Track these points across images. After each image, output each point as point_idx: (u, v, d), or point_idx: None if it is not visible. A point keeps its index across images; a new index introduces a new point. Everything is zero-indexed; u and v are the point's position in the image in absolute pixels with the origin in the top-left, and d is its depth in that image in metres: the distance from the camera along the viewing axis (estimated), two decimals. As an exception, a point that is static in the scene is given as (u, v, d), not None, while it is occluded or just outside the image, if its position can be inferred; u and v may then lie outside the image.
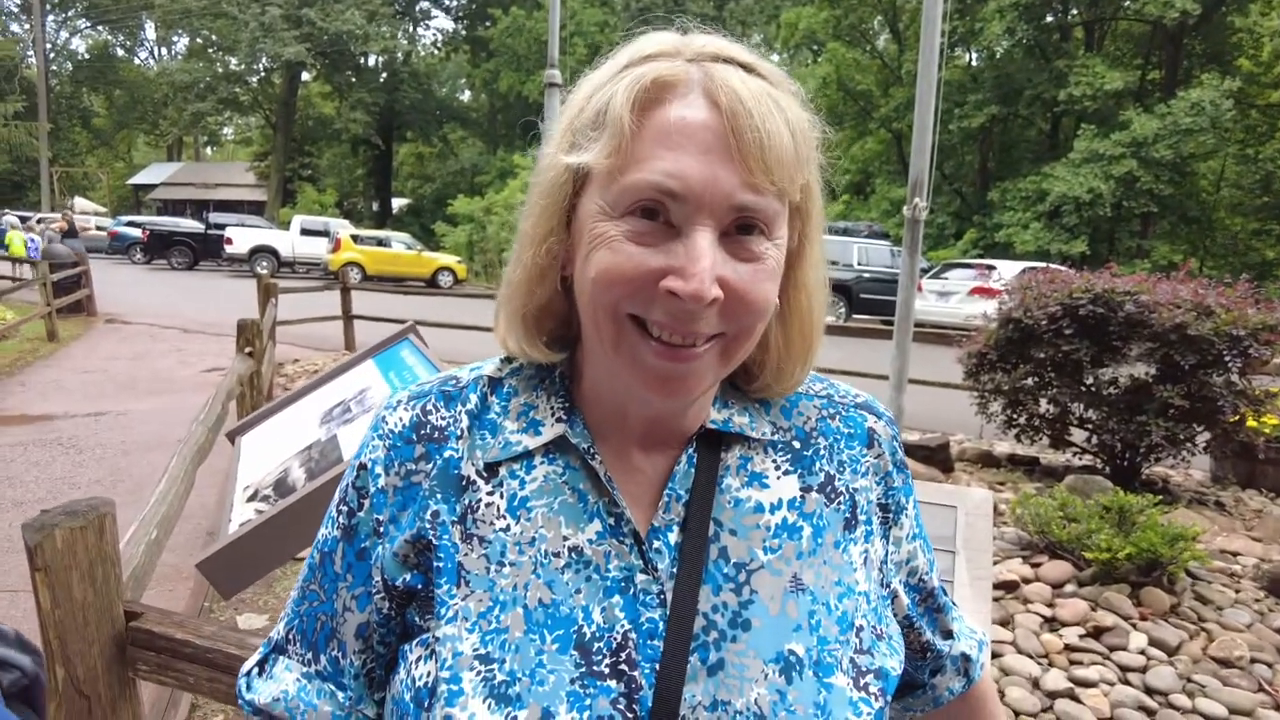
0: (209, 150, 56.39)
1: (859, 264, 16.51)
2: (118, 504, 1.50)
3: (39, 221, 20.51)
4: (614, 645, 0.61)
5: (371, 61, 37.42)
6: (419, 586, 0.65)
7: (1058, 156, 23.91)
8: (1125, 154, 21.17)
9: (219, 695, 1.49)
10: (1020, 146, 28.47)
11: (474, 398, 0.70)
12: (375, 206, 39.38)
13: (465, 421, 0.68)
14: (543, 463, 0.67)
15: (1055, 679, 2.86)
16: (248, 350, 4.70)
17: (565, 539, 0.64)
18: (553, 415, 0.68)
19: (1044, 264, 13.96)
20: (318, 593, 0.70)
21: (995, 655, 3.00)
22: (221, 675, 1.44)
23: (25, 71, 38.31)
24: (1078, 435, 5.43)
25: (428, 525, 0.65)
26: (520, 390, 0.71)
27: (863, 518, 0.71)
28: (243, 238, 23.57)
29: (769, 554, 0.66)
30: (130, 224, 26.98)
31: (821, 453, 0.72)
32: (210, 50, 39.43)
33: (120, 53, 46.72)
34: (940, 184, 25.90)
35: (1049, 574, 3.60)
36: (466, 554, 0.64)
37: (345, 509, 0.69)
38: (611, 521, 0.65)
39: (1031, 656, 3.01)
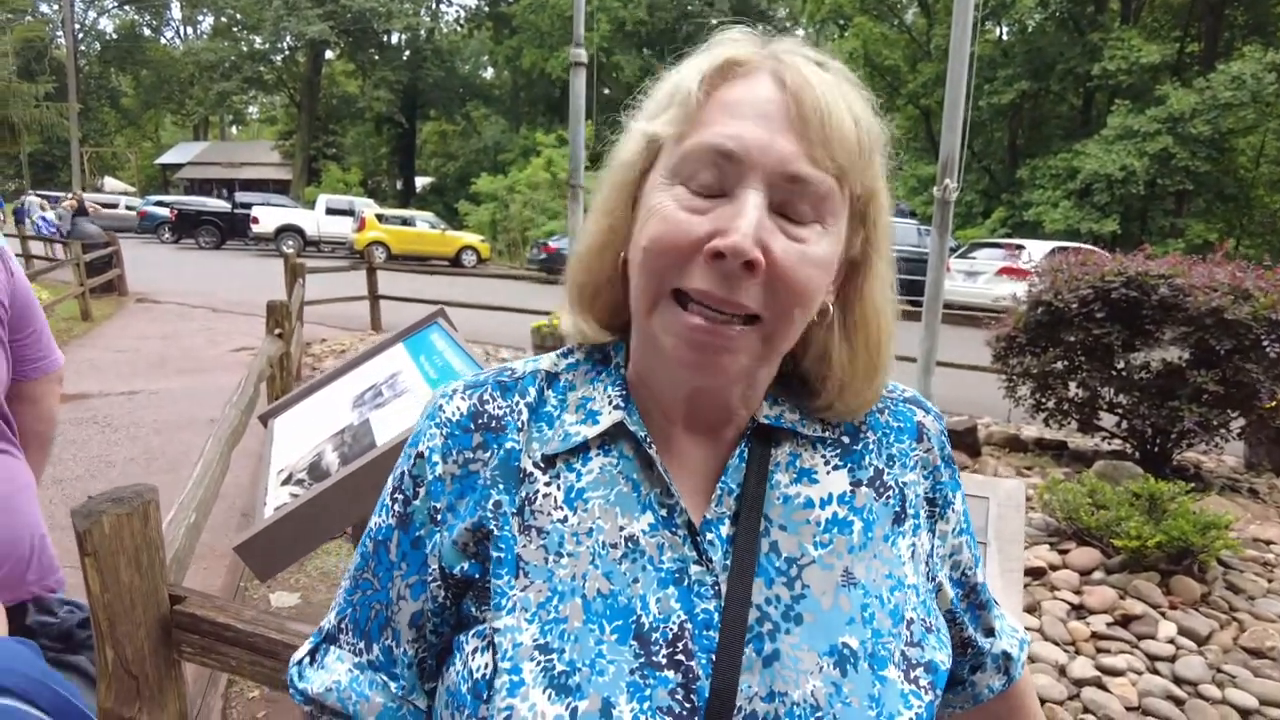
0: (234, 129, 56.81)
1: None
2: (153, 482, 1.54)
3: (52, 202, 21.11)
4: (670, 636, 0.61)
5: (395, 39, 37.38)
6: (476, 576, 0.65)
7: (1090, 133, 23.38)
8: (1161, 130, 20.62)
9: (260, 677, 1.52)
10: (1051, 123, 27.86)
11: (532, 390, 0.71)
12: (399, 185, 39.48)
13: (525, 414, 0.69)
14: (598, 454, 0.68)
15: (1082, 667, 2.85)
16: (277, 332, 4.76)
17: (621, 529, 0.65)
18: (610, 404, 0.69)
19: (1074, 244, 13.74)
20: (371, 581, 0.71)
21: (1022, 642, 2.99)
22: (262, 658, 1.48)
23: (55, 52, 38.70)
24: (1107, 420, 5.36)
25: (489, 514, 0.65)
26: (577, 384, 0.72)
27: (910, 511, 0.72)
28: (269, 217, 23.79)
29: (820, 549, 0.66)
30: (159, 203, 27.30)
31: (871, 447, 0.72)
32: (235, 29, 39.60)
33: (147, 32, 46.99)
34: (969, 162, 25.47)
35: (1077, 561, 3.58)
36: (525, 545, 0.65)
37: (400, 497, 0.69)
38: (664, 513, 0.66)
39: (1058, 644, 3.00)
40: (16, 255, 13.99)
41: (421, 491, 0.68)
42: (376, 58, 36.26)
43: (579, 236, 0.70)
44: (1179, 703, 2.72)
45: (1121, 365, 5.05)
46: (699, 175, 0.60)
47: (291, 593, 3.55)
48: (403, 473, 0.70)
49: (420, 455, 0.69)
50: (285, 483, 2.32)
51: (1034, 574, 3.48)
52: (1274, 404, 4.69)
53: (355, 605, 0.72)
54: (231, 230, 24.62)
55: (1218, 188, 23.13)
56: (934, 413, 0.77)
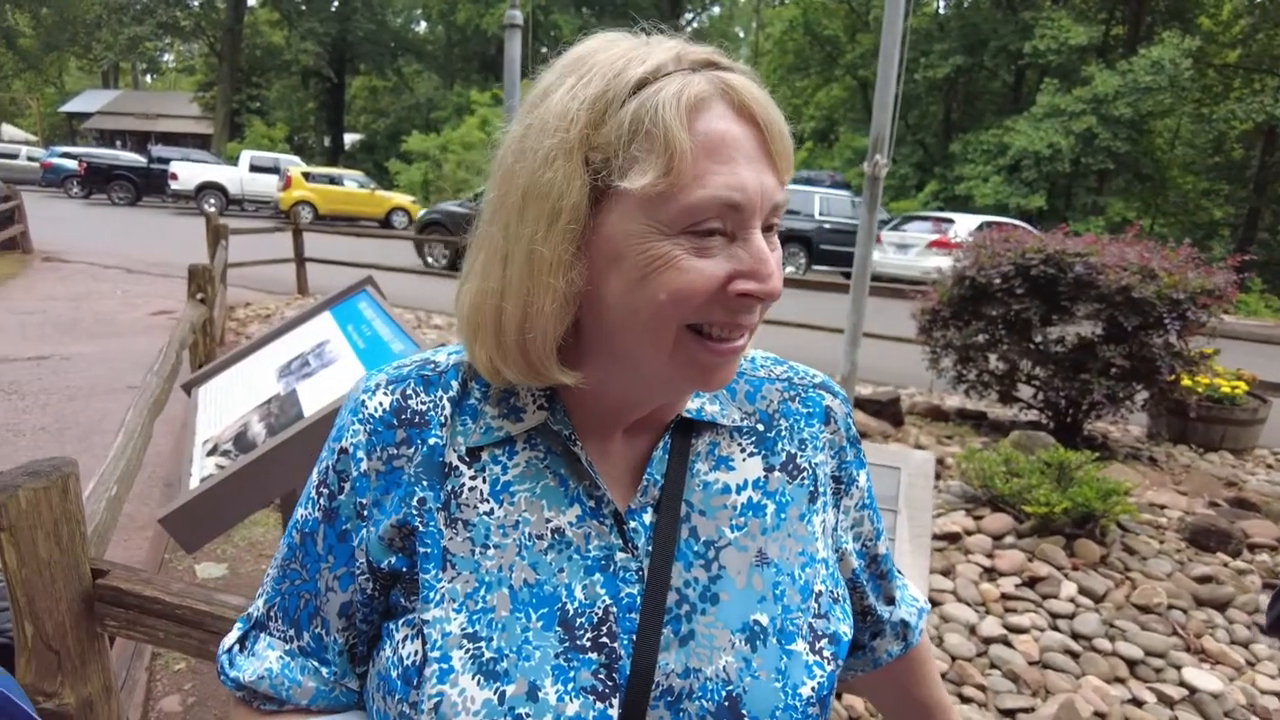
0: (149, 78, 53.66)
1: (820, 214, 16.56)
2: (67, 452, 1.50)
3: None
4: (595, 620, 0.65)
5: (322, -12, 35.77)
6: (404, 569, 0.68)
7: (1020, 110, 24.06)
8: (1086, 110, 21.39)
9: (188, 649, 1.51)
10: (984, 98, 28.56)
11: (455, 384, 0.72)
12: (327, 142, 38.08)
13: (448, 409, 0.70)
14: (524, 448, 0.70)
15: (991, 625, 3.03)
16: (199, 297, 4.59)
17: (548, 521, 0.68)
18: (534, 402, 0.70)
19: (1000, 219, 14.20)
20: (299, 572, 0.72)
21: (936, 604, 3.15)
22: (190, 630, 1.47)
23: (-55, -15, 35.75)
24: (1024, 391, 5.61)
25: (414, 512, 0.67)
26: None
27: (821, 489, 0.77)
28: (189, 173, 22.66)
29: (735, 531, 0.71)
30: (65, 155, 25.67)
31: (783, 433, 0.77)
32: (147, -32, 37.23)
33: (49, -33, 43.67)
34: (904, 134, 25.93)
35: (990, 526, 3.77)
36: (451, 538, 0.67)
37: (326, 491, 0.70)
38: (592, 504, 0.69)
39: (970, 605, 3.17)
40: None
41: (346, 487, 0.69)
42: (303, 7, 34.72)
43: (522, 289, 0.63)
44: (1075, 656, 2.92)
45: (1039, 339, 5.29)
46: (701, 224, 0.59)
47: (219, 564, 3.48)
48: (327, 467, 0.71)
49: (344, 451, 0.70)
50: (211, 453, 2.28)
51: (950, 539, 3.66)
52: (1174, 378, 4.99)
53: (284, 594, 0.74)
54: (148, 186, 23.37)
55: (1136, 168, 24.18)
56: (841, 396, 0.83)
